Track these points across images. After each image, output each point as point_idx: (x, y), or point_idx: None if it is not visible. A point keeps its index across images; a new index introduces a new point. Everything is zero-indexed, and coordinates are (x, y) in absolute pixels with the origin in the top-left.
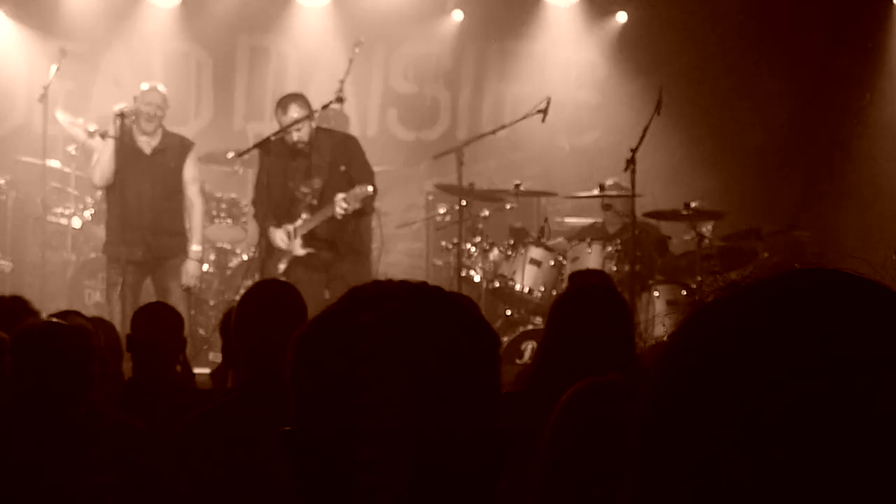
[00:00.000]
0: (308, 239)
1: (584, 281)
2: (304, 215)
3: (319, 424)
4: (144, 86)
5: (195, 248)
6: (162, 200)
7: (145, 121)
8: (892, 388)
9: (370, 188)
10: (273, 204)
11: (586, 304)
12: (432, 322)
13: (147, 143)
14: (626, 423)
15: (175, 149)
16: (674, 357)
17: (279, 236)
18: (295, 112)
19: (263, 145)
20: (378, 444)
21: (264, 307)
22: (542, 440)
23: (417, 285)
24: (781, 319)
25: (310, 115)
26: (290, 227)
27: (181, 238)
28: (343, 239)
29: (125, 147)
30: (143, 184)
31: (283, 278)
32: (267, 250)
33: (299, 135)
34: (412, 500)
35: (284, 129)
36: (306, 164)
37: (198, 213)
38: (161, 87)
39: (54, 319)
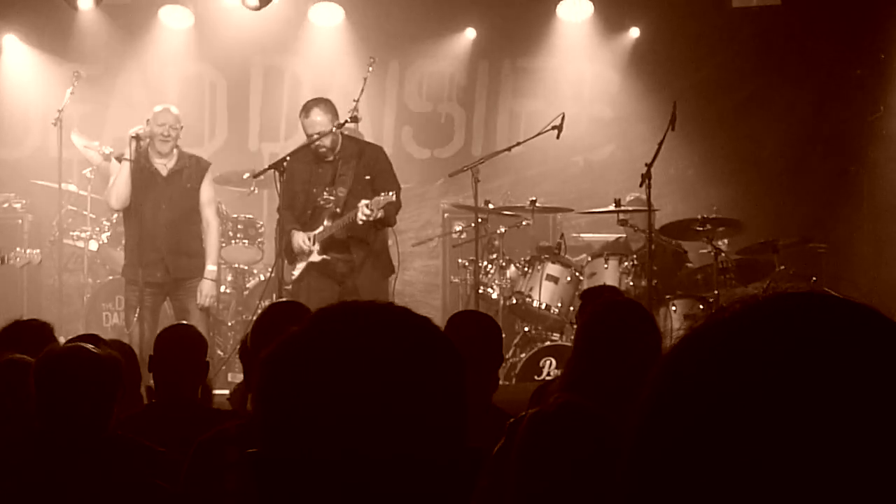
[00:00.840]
0: (326, 246)
1: (613, 299)
2: (326, 223)
3: (286, 448)
4: (157, 108)
5: (210, 267)
6: (179, 222)
7: (160, 142)
8: (868, 415)
9: (392, 194)
10: (297, 210)
11: (620, 322)
12: (397, 345)
13: (163, 166)
14: (587, 440)
15: (191, 170)
16: (658, 389)
17: (301, 238)
18: (318, 115)
19: (279, 165)
20: (345, 467)
21: (277, 329)
22: (511, 460)
23: (384, 307)
24: (759, 350)
25: (335, 125)
26: (312, 234)
27: (199, 259)
28: (362, 249)
29: (142, 170)
30: (160, 206)
31: (292, 290)
32: (288, 255)
33: (322, 140)
34: None
35: (308, 143)
36: (332, 171)
37: (214, 234)
38: (173, 108)
39: (82, 345)
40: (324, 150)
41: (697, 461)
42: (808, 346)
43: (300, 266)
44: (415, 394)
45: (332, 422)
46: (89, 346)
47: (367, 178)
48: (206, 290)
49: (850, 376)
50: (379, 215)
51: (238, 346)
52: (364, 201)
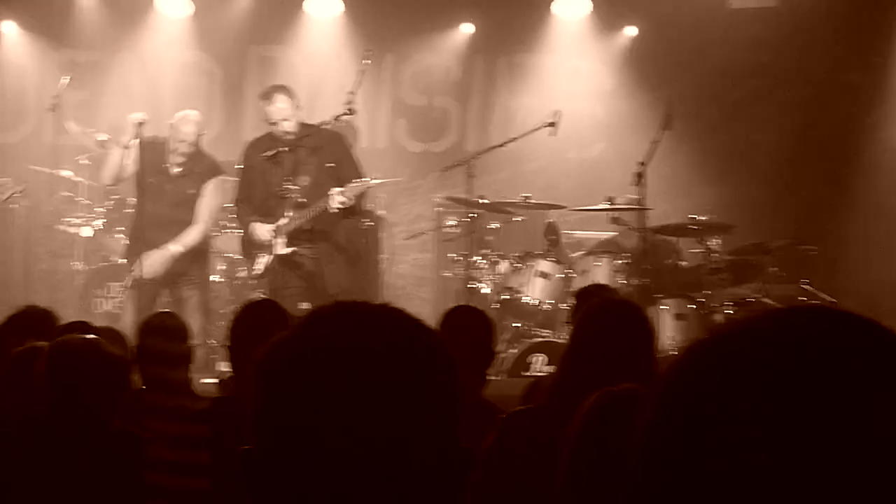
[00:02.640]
0: (292, 237)
1: (610, 297)
2: (290, 213)
3: (278, 445)
4: (179, 114)
5: (173, 246)
6: (179, 222)
7: (179, 154)
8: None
9: (371, 180)
10: (256, 201)
11: (615, 321)
12: (391, 345)
13: (174, 165)
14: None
15: (200, 174)
16: (668, 394)
17: (262, 229)
18: (280, 102)
19: (273, 158)
20: (337, 466)
21: (255, 329)
22: (564, 451)
23: (378, 308)
24: (769, 364)
25: (297, 106)
26: (275, 225)
27: (199, 260)
28: (328, 240)
29: (154, 164)
30: (163, 202)
31: (257, 285)
32: (245, 249)
33: (288, 124)
34: None
35: (295, 142)
36: (292, 160)
37: (196, 229)
38: (192, 114)
39: (97, 341)
40: (290, 136)
41: (704, 474)
42: (821, 365)
43: (263, 259)
44: (409, 396)
45: (326, 424)
46: (102, 341)
47: (331, 165)
48: (151, 257)
49: (861, 395)
50: (351, 203)
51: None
52: (337, 189)
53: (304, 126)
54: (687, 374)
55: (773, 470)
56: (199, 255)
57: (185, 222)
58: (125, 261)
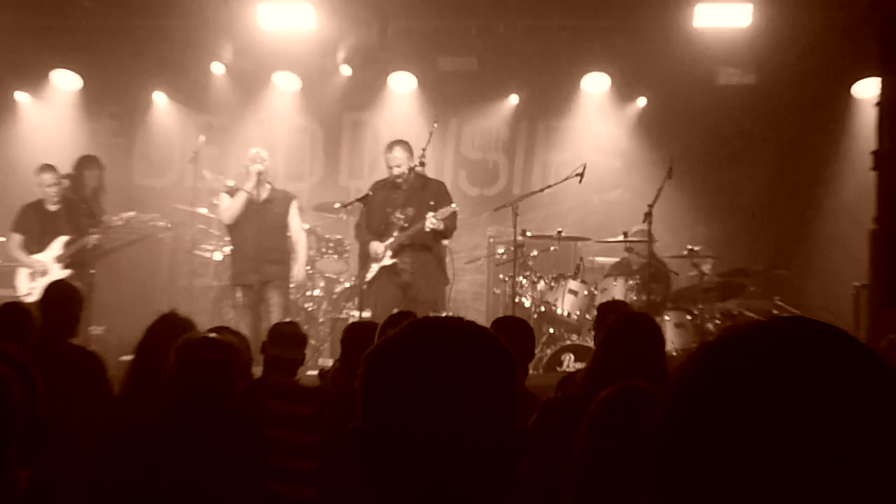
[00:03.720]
0: (395, 251)
1: (631, 311)
2: (395, 234)
3: (382, 423)
4: (252, 150)
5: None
6: (268, 238)
7: (267, 182)
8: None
9: (454, 206)
10: (373, 225)
11: (636, 329)
12: (470, 351)
13: (259, 195)
14: (648, 423)
15: (280, 200)
16: (681, 387)
17: (376, 245)
18: (398, 152)
19: (364, 199)
20: (427, 439)
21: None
22: (577, 439)
23: (461, 322)
24: (765, 362)
25: (409, 166)
26: (385, 244)
27: (282, 266)
28: (423, 254)
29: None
30: (255, 226)
31: (366, 290)
32: (361, 260)
33: (399, 170)
34: (449, 482)
35: (407, 182)
36: (404, 195)
37: (301, 250)
38: (263, 152)
39: (212, 335)
40: (400, 180)
41: (712, 445)
42: (797, 360)
43: (374, 268)
44: (482, 387)
45: (418, 407)
46: (214, 335)
47: (432, 203)
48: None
49: (830, 385)
50: (441, 227)
51: (328, 337)
52: (431, 213)
53: (415, 173)
54: (694, 373)
55: (772, 452)
56: (284, 269)
57: (278, 235)
58: (231, 282)
